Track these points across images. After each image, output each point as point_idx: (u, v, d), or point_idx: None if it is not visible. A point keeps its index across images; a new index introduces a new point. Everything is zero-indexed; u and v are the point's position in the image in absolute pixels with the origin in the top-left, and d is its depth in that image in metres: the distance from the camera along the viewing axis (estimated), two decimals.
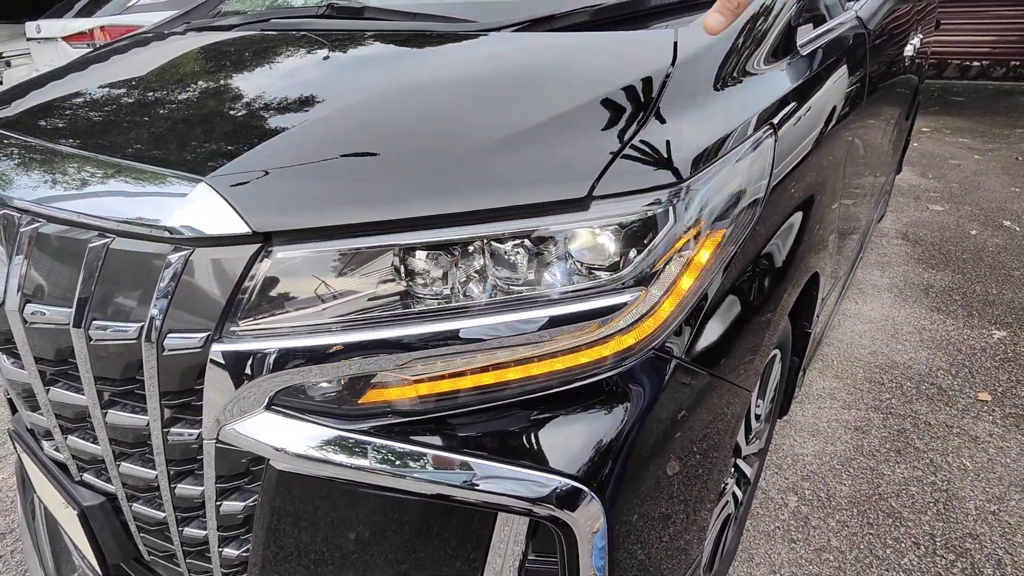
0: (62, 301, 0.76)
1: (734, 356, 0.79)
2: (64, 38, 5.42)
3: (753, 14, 0.82)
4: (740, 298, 0.79)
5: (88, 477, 0.94)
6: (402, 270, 0.64)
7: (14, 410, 1.35)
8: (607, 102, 0.69)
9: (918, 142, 6.14)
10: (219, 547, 0.78)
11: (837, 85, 1.10)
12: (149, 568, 1.02)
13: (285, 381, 0.65)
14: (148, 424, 0.75)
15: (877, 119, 1.67)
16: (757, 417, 1.26)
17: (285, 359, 0.64)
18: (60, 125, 1.00)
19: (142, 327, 0.69)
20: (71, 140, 0.86)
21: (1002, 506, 1.64)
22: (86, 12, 5.69)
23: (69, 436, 0.90)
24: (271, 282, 0.64)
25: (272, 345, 0.64)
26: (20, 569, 1.51)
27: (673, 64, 0.72)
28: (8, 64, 7.23)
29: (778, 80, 0.87)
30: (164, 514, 0.84)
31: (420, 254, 0.64)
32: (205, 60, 1.09)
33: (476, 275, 0.63)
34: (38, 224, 0.77)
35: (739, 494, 1.34)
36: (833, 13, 1.18)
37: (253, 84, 0.93)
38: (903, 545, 1.52)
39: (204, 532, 0.80)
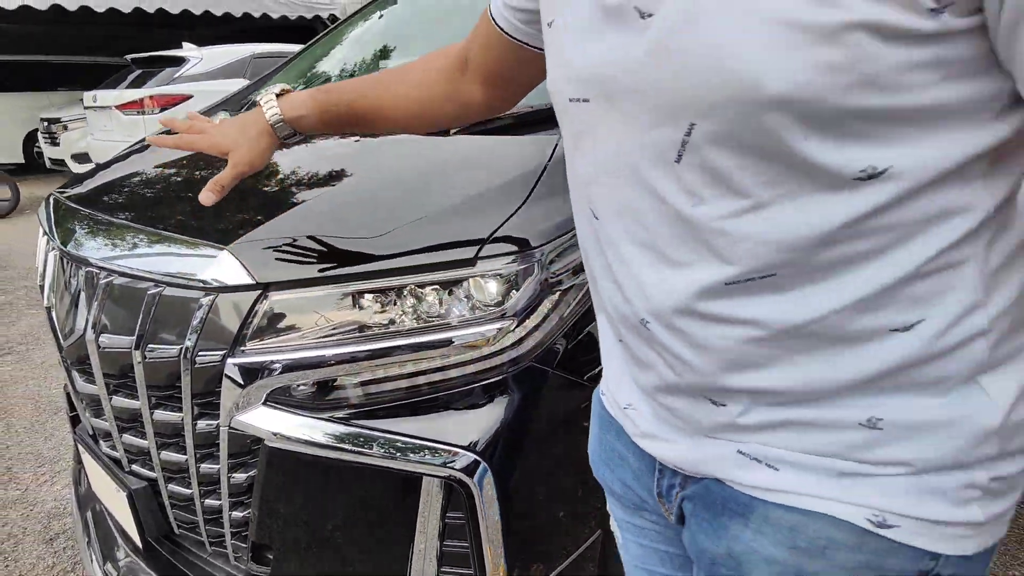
0: (125, 332, 1.07)
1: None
2: (117, 106, 6.06)
3: None
4: None
5: (135, 467, 1.24)
6: (357, 306, 0.94)
7: (75, 423, 1.67)
8: (502, 188, 0.99)
9: None
10: (229, 511, 1.06)
11: None
12: (176, 544, 1.30)
13: (276, 383, 0.95)
14: (182, 419, 1.04)
15: None
16: None
17: (275, 367, 0.94)
18: (121, 202, 1.34)
19: (181, 348, 0.99)
20: (129, 214, 1.20)
21: None
22: (137, 83, 6.35)
23: (124, 434, 1.20)
24: (268, 316, 0.94)
25: (268, 359, 0.94)
26: (72, 559, 1.80)
27: (548, 161, 1.02)
28: (65, 128, 7.96)
29: None
30: (190, 490, 1.13)
31: (368, 296, 0.93)
32: None
33: (406, 309, 0.93)
34: (111, 277, 1.09)
35: None
36: None
37: (257, 175, 1.26)
38: None
39: (219, 502, 1.09)
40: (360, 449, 0.93)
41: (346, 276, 0.93)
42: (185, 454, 1.09)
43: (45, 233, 1.37)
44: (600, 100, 0.46)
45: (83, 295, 1.15)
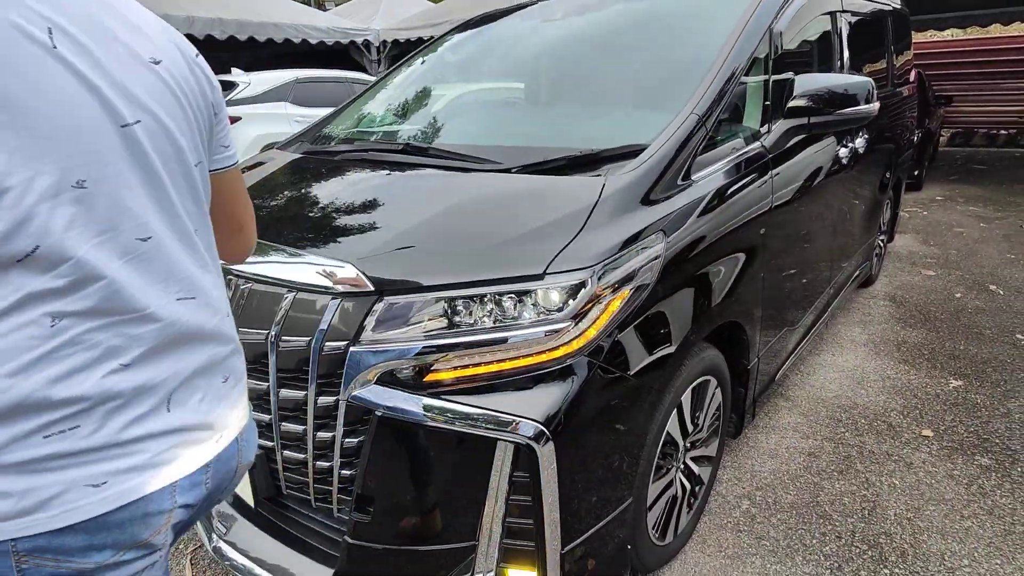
0: (261, 326, 1.37)
1: (642, 363, 1.33)
2: None
3: (658, 168, 1.42)
4: (645, 329, 1.34)
5: None
6: (450, 308, 1.22)
7: None
8: (562, 219, 1.28)
9: (928, 210, 6.51)
10: (339, 470, 1.34)
11: (732, 196, 1.67)
12: (280, 504, 1.58)
13: (385, 367, 1.24)
14: (305, 395, 1.33)
15: (804, 213, 2.20)
16: (696, 425, 1.76)
17: (387, 354, 1.23)
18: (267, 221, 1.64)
19: (310, 340, 1.29)
20: (273, 235, 1.49)
21: (918, 515, 2.04)
22: None
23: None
24: (382, 314, 1.23)
25: (381, 347, 1.23)
26: None
27: (599, 198, 1.30)
28: None
29: (672, 202, 1.44)
30: (304, 455, 1.42)
31: (459, 301, 1.22)
32: (336, 180, 1.74)
33: (487, 311, 1.21)
34: (248, 284, 1.40)
35: (687, 485, 1.82)
36: (745, 145, 1.76)
37: (364, 197, 1.57)
38: (827, 538, 1.94)
39: (329, 464, 1.37)
40: (449, 418, 1.21)
41: (442, 285, 1.22)
42: (303, 425, 1.38)
43: None
44: None
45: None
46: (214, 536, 1.66)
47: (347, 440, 1.32)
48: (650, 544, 1.65)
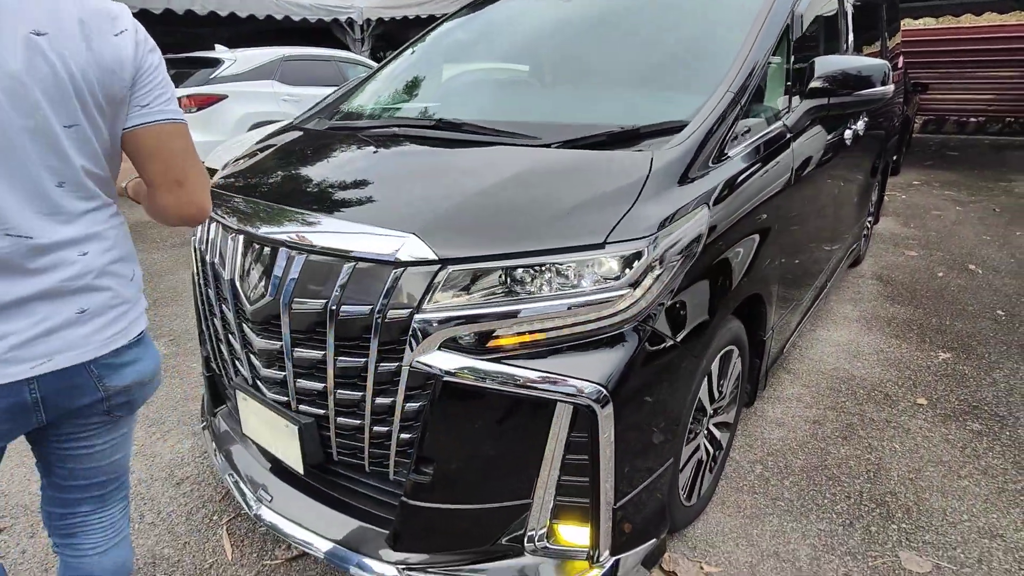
0: (319, 295, 1.40)
1: (685, 330, 1.41)
2: None
3: (698, 145, 1.48)
4: (689, 298, 1.41)
5: (303, 407, 1.56)
6: (511, 276, 1.27)
7: (212, 380, 2.00)
8: (615, 192, 1.33)
9: (906, 194, 6.73)
10: (398, 434, 1.39)
11: (760, 174, 1.74)
12: (328, 471, 1.62)
13: (448, 333, 1.29)
14: (364, 363, 1.37)
15: (815, 192, 2.30)
16: (720, 392, 1.85)
17: (450, 321, 1.28)
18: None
19: (372, 309, 1.32)
20: (326, 207, 1.51)
21: (919, 475, 2.18)
22: (173, 83, 6.63)
23: (299, 380, 1.53)
24: (445, 282, 1.28)
25: (444, 315, 1.28)
26: (200, 497, 2.11)
27: (649, 172, 1.36)
28: None
29: (712, 178, 1.51)
30: (360, 421, 1.46)
31: (519, 270, 1.27)
32: (375, 153, 1.76)
33: (549, 279, 1.27)
34: (305, 255, 1.42)
35: (710, 449, 1.92)
36: (768, 125, 1.83)
37: (408, 169, 1.59)
38: (838, 497, 2.07)
39: (386, 428, 1.42)
40: (511, 382, 1.27)
41: (504, 255, 1.27)
42: (361, 392, 1.42)
43: (218, 221, 1.69)
44: None
45: (277, 269, 1.47)
46: (254, 503, 1.70)
47: (408, 405, 1.36)
48: (679, 504, 1.74)
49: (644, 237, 1.26)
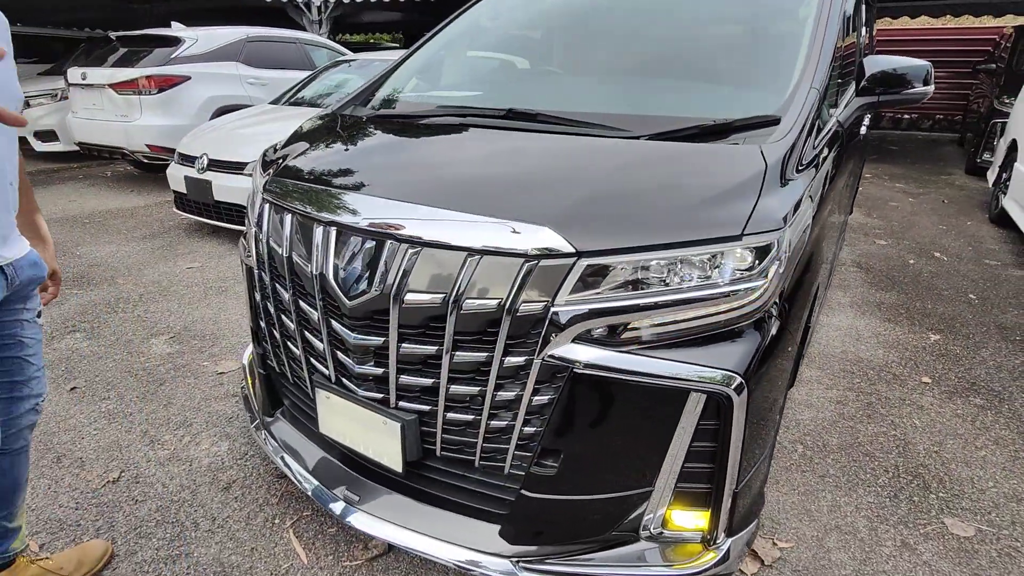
0: (437, 289, 1.36)
1: (794, 317, 1.47)
2: (111, 85, 5.91)
3: (797, 139, 1.53)
4: (792, 288, 1.47)
5: (402, 403, 1.52)
6: (646, 268, 1.28)
7: (275, 405, 1.91)
8: (739, 185, 1.36)
9: (863, 187, 7.15)
10: (521, 428, 1.38)
11: (828, 166, 1.83)
12: (421, 466, 1.59)
13: (584, 326, 1.29)
14: (487, 357, 1.35)
15: (843, 177, 2.42)
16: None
17: (586, 315, 1.28)
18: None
19: (500, 301, 1.31)
20: (440, 198, 1.45)
21: (942, 448, 2.35)
22: (126, 62, 6.19)
23: (402, 376, 1.49)
24: (581, 275, 1.27)
25: (581, 308, 1.27)
26: (255, 500, 2.02)
27: (766, 166, 1.40)
28: (28, 104, 7.55)
29: (810, 171, 1.57)
30: (471, 416, 1.44)
31: (653, 262, 1.28)
32: (468, 141, 1.72)
33: (681, 271, 1.29)
34: (418, 248, 1.38)
35: None
36: (825, 123, 1.91)
37: (509, 161, 1.57)
38: (878, 472, 2.20)
39: (506, 422, 1.40)
40: (646, 372, 1.28)
41: (641, 247, 1.27)
42: (478, 386, 1.40)
43: (298, 212, 1.61)
44: None
45: (385, 262, 1.42)
46: (337, 505, 1.65)
47: (536, 398, 1.36)
48: None
49: (776, 230, 1.30)
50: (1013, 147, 5.22)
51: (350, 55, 6.70)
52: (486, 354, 1.37)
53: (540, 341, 1.31)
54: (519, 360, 1.35)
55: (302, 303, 1.65)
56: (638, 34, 2.18)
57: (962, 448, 2.35)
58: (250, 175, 4.31)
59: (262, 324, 1.89)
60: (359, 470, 1.73)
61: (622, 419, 1.34)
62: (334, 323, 1.57)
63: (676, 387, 1.29)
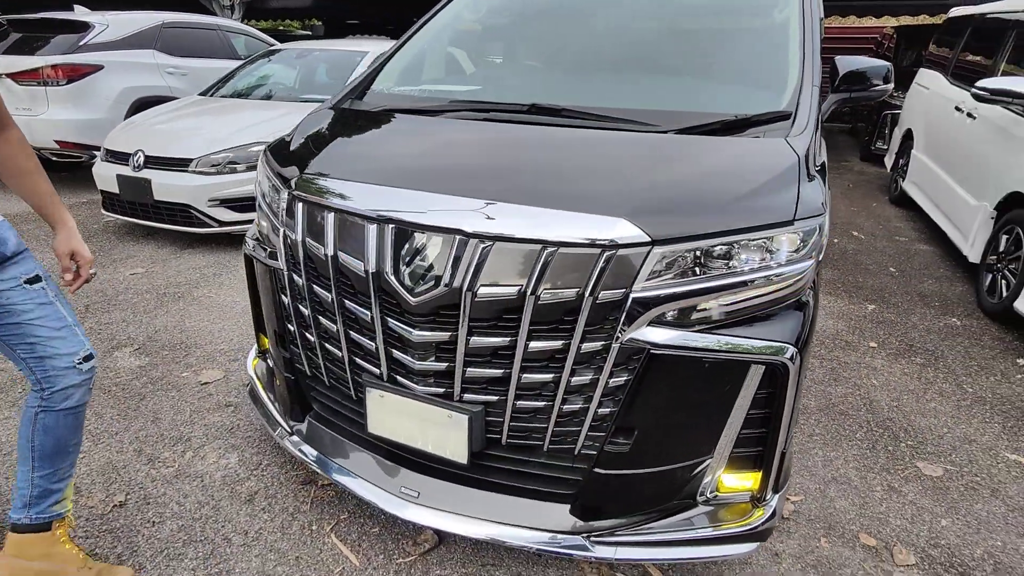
0: (512, 282, 1.40)
1: (818, 294, 1.64)
2: (9, 75, 5.30)
3: (814, 132, 1.69)
4: (818, 268, 1.64)
5: (466, 396, 1.55)
6: (709, 254, 1.39)
7: (302, 411, 1.86)
8: (780, 175, 1.50)
9: None
10: (596, 409, 1.46)
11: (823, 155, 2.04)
12: (483, 455, 1.62)
13: (659, 310, 1.38)
14: (564, 344, 1.41)
15: None
16: None
17: (662, 299, 1.37)
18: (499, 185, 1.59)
19: (579, 290, 1.37)
20: (507, 192, 1.48)
21: (900, 403, 2.67)
22: (22, 49, 5.57)
23: (469, 369, 1.51)
24: (656, 262, 1.36)
25: (656, 293, 1.37)
26: (284, 510, 1.96)
27: (798, 157, 1.55)
28: None
29: (820, 161, 1.75)
30: (544, 403, 1.49)
31: (719, 248, 1.40)
32: (504, 135, 1.75)
33: (742, 255, 1.41)
34: (490, 243, 1.41)
35: None
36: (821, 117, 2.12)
37: (558, 154, 1.62)
38: (854, 428, 2.48)
39: (580, 406, 1.47)
40: (716, 349, 1.40)
41: (708, 234, 1.38)
42: (549, 374, 1.46)
43: (350, 212, 1.57)
44: None
45: (455, 258, 1.43)
46: (394, 502, 1.65)
47: (612, 380, 1.44)
48: None
49: (819, 215, 1.45)
50: (908, 136, 5.88)
51: (279, 44, 6.39)
52: (562, 341, 1.43)
53: (619, 326, 1.39)
54: (596, 345, 1.42)
55: (348, 303, 1.63)
56: (637, 32, 2.28)
57: (916, 401, 2.68)
58: (200, 172, 4.05)
59: (290, 327, 1.83)
60: (410, 466, 1.73)
61: (691, 394, 1.45)
62: (391, 321, 1.56)
63: (741, 360, 1.41)
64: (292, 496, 2.01)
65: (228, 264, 4.05)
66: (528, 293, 1.39)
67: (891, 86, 2.24)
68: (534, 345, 1.44)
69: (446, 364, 1.54)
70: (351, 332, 1.67)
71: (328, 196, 1.62)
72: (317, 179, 1.69)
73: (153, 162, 4.13)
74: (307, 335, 1.80)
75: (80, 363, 1.51)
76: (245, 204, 4.16)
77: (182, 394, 2.57)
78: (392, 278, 1.51)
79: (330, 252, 1.61)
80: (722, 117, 1.76)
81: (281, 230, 1.75)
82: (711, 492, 1.58)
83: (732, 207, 1.43)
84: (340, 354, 1.73)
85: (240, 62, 6.00)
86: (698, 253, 1.39)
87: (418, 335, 1.52)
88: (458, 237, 1.44)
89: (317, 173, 1.71)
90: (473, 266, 1.42)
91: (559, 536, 1.56)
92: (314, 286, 1.70)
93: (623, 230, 1.36)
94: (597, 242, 1.36)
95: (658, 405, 1.45)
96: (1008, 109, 3.80)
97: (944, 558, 1.85)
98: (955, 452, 2.35)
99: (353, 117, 2.09)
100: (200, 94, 5.37)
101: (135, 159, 4.15)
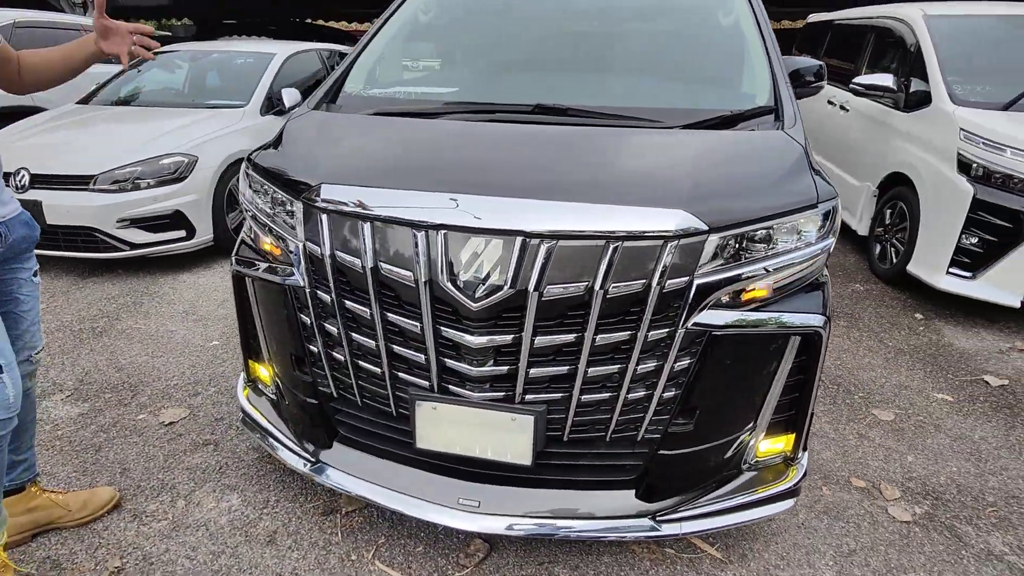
0: (578, 278, 1.43)
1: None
2: None
3: (804, 136, 1.88)
4: None
5: (528, 396, 1.55)
6: (751, 239, 1.51)
7: (328, 436, 1.75)
8: (793, 165, 1.65)
9: None
10: (661, 393, 1.52)
11: None
12: (542, 454, 1.63)
13: (718, 294, 1.47)
14: (631, 335, 1.46)
15: None
16: None
17: (718, 284, 1.46)
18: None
19: (646, 281, 1.42)
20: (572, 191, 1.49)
21: (842, 361, 3.02)
22: None
23: (532, 369, 1.51)
24: (713, 248, 1.45)
25: (714, 279, 1.46)
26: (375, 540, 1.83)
27: (803, 147, 1.72)
28: None
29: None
30: (608, 394, 1.53)
31: (760, 232, 1.51)
32: (530, 135, 1.74)
33: (777, 237, 1.54)
34: (553, 242, 1.42)
35: None
36: None
37: (596, 151, 1.66)
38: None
39: (645, 392, 1.53)
40: (766, 324, 1.52)
41: (755, 220, 1.49)
42: (615, 365, 1.50)
43: (392, 221, 1.50)
44: None
45: (517, 259, 1.43)
46: (453, 516, 1.62)
47: (677, 364, 1.51)
48: None
49: (833, 197, 1.62)
50: None
51: (166, 47, 5.80)
52: (629, 332, 1.48)
53: (684, 312, 1.46)
54: (662, 332, 1.48)
55: (391, 316, 1.56)
56: (611, 34, 2.38)
57: (853, 358, 3.05)
58: (103, 190, 3.59)
59: (312, 348, 1.71)
60: (461, 477, 1.69)
61: (743, 369, 1.56)
62: (445, 330, 1.52)
63: (786, 332, 1.54)
64: (317, 529, 1.88)
65: (148, 291, 3.63)
66: (597, 288, 1.43)
67: (825, 83, 2.52)
68: (601, 338, 1.48)
69: (507, 367, 1.52)
70: (393, 346, 1.60)
71: (362, 205, 1.54)
72: (342, 188, 1.59)
73: (42, 181, 3.59)
74: (334, 354, 1.69)
75: (33, 355, 1.70)
76: (161, 223, 3.75)
77: (146, 438, 2.29)
78: (449, 285, 1.47)
79: (369, 264, 1.53)
80: (718, 113, 1.90)
81: (300, 244, 1.63)
82: (752, 459, 1.71)
83: (766, 194, 1.56)
84: (379, 370, 1.64)
85: (118, 67, 5.37)
86: (744, 238, 1.50)
87: (477, 341, 1.50)
88: (519, 238, 1.44)
89: (339, 181, 1.61)
90: (539, 266, 1.43)
91: (628, 521, 1.61)
92: (346, 301, 1.61)
93: (684, 220, 1.43)
94: (662, 233, 1.42)
95: (717, 383, 1.55)
96: (878, 101, 4.41)
97: (919, 488, 2.14)
98: (897, 398, 2.71)
99: (350, 121, 1.98)
100: (78, 102, 4.73)
101: (17, 178, 3.58)
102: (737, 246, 1.50)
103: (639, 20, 2.47)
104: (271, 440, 1.91)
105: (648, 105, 2.00)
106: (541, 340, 1.49)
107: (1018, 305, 3.30)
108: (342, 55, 5.82)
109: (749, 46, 2.24)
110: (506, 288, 1.44)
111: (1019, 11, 4.19)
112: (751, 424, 1.65)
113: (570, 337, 1.48)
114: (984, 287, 3.38)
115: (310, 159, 1.75)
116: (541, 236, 1.43)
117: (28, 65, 1.58)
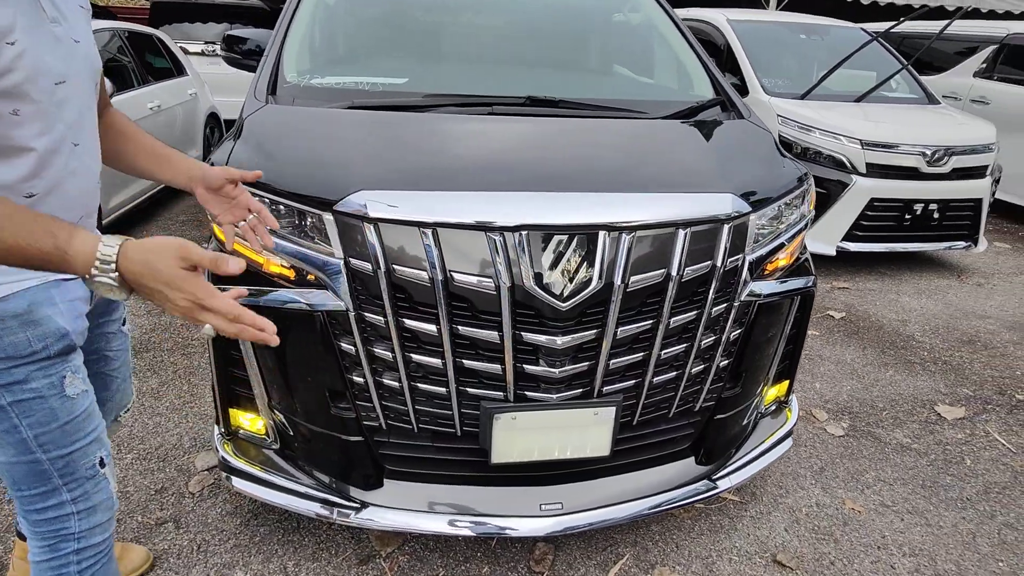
0: (656, 266, 1.47)
1: None
2: None
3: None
4: None
5: (606, 388, 1.56)
6: (774, 218, 1.71)
7: (377, 475, 1.58)
8: (769, 150, 1.89)
9: None
10: (719, 363, 1.65)
11: None
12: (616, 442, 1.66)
13: (758, 268, 1.64)
14: (698, 314, 1.56)
15: None
16: None
17: (761, 258, 1.63)
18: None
19: (711, 262, 1.53)
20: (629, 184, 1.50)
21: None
22: None
23: (611, 360, 1.53)
24: (754, 228, 1.61)
25: (758, 253, 1.62)
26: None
27: (774, 136, 1.97)
28: None
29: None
30: (675, 373, 1.62)
31: (776, 208, 1.72)
32: (553, 127, 1.70)
33: (790, 214, 1.76)
34: (632, 234, 1.45)
35: None
36: None
37: (614, 142, 1.70)
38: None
39: (702, 367, 1.64)
40: (791, 289, 1.73)
41: (773, 198, 1.68)
42: (683, 344, 1.59)
43: (462, 226, 1.38)
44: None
45: (604, 254, 1.42)
46: (540, 523, 1.58)
47: (732, 335, 1.65)
48: None
49: (807, 173, 1.89)
50: None
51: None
52: (695, 311, 1.57)
53: (739, 286, 1.60)
54: (721, 308, 1.61)
55: (462, 328, 1.45)
56: (536, 30, 2.42)
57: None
58: None
59: (359, 379, 1.50)
60: (535, 483, 1.64)
61: (772, 329, 1.77)
62: (526, 335, 1.46)
63: (798, 292, 1.78)
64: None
65: None
66: (674, 273, 1.49)
67: None
68: (674, 321, 1.55)
69: (588, 363, 1.52)
70: (464, 360, 1.48)
71: (421, 212, 1.38)
72: (389, 194, 1.41)
73: None
74: (386, 381, 1.50)
75: (121, 415, 1.48)
76: None
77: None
78: (535, 288, 1.41)
79: (439, 276, 1.39)
80: (687, 104, 2.08)
81: (339, 262, 1.41)
82: (763, 407, 1.96)
83: (773, 175, 1.77)
84: (444, 390, 1.51)
85: None
86: (773, 215, 1.69)
87: (564, 341, 1.46)
88: (602, 232, 1.43)
89: (378, 186, 1.42)
90: (623, 259, 1.44)
91: (692, 486, 1.72)
92: (404, 320, 1.44)
93: (735, 203, 1.56)
94: (722, 216, 1.54)
95: (759, 346, 1.73)
96: None
97: (835, 408, 2.64)
98: None
99: (334, 117, 1.73)
100: None
101: None
102: (767, 223, 1.68)
103: (555, 18, 2.54)
104: (287, 495, 1.62)
105: (620, 97, 2.10)
106: (622, 331, 1.51)
107: (834, 253, 4.16)
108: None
109: (673, 42, 2.46)
110: (593, 285, 1.43)
111: (794, 19, 5.21)
112: (767, 376, 1.88)
113: (647, 324, 1.53)
114: (808, 241, 4.19)
115: (323, 162, 1.51)
116: (622, 228, 1.44)
117: (116, 126, 1.22)
